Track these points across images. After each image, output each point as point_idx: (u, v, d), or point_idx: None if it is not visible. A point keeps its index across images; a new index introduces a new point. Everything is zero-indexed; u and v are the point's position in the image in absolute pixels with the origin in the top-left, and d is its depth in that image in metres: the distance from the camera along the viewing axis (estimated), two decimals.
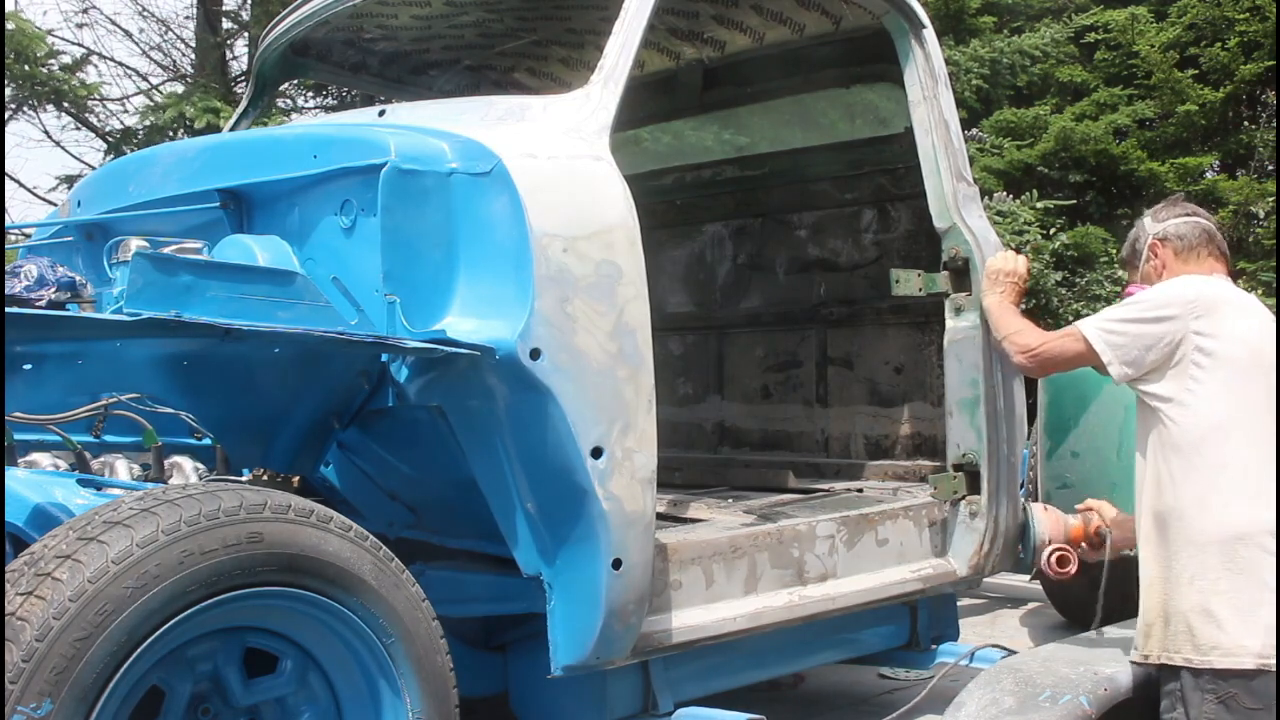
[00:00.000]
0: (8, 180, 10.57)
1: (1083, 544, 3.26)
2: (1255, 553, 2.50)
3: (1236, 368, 2.57)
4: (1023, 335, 2.96)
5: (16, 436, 2.72)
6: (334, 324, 2.40)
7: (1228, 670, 2.48)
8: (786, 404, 4.48)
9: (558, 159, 2.60)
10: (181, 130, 9.10)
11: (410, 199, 2.49)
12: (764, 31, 4.13)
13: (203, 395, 2.62)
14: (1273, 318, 2.71)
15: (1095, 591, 3.19)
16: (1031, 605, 5.40)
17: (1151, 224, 2.89)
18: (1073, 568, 3.22)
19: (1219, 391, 2.57)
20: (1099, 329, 2.69)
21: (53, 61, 9.64)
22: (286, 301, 2.38)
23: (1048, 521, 3.34)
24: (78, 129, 11.10)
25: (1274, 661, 2.45)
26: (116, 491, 2.45)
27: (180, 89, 10.03)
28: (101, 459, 2.75)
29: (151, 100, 10.33)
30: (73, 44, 11.47)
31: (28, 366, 2.31)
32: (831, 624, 3.25)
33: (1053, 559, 3.22)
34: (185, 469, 2.74)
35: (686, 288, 4.78)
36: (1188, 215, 2.84)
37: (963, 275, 3.38)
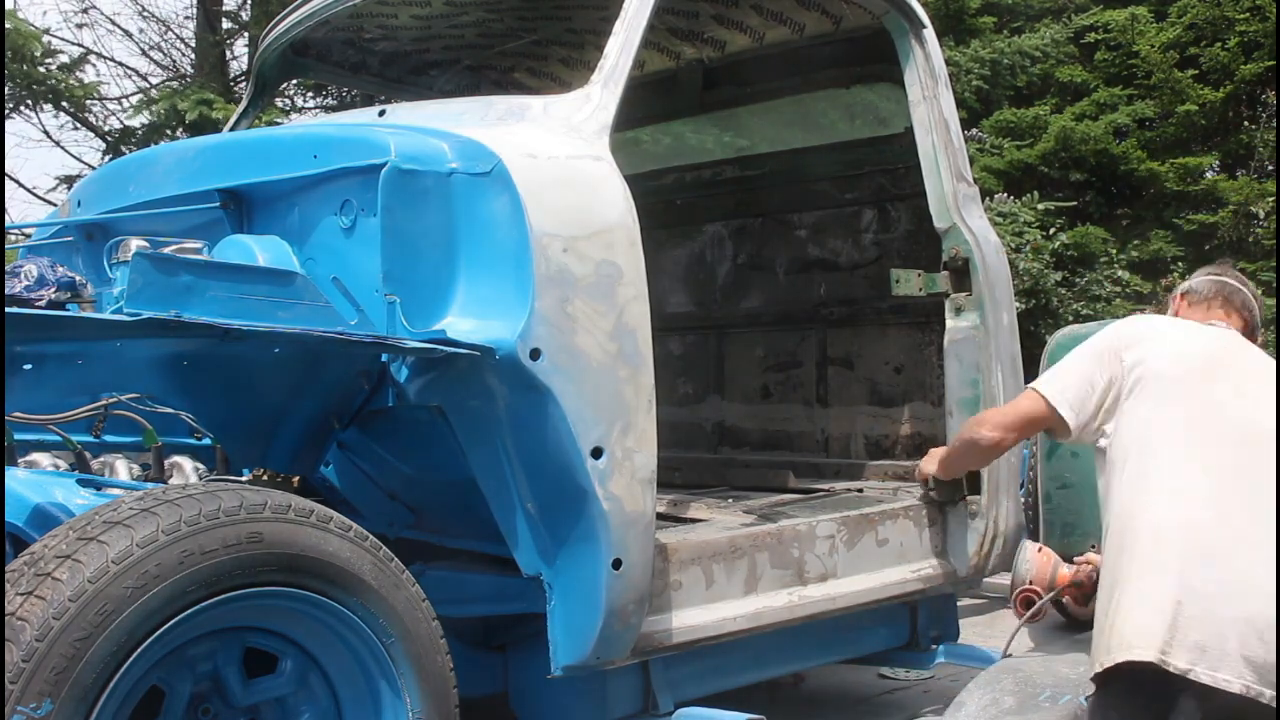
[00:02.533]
0: (8, 180, 10.57)
1: (1066, 595, 3.16)
2: (1175, 547, 2.44)
3: (1163, 383, 2.60)
4: (982, 420, 2.97)
5: (16, 436, 2.72)
6: (334, 324, 2.39)
7: (1144, 664, 2.39)
8: (786, 404, 4.48)
9: (558, 159, 2.60)
10: (179, 127, 9.10)
11: (410, 199, 2.49)
12: (764, 31, 4.13)
13: (203, 395, 2.62)
14: (1219, 337, 2.74)
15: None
16: None
17: (1185, 282, 3.05)
18: (1039, 613, 3.12)
19: (1148, 408, 2.59)
20: (1045, 379, 2.75)
21: (50, 61, 9.65)
22: (286, 301, 2.37)
23: (1036, 563, 3.20)
24: (77, 129, 11.11)
25: (1173, 659, 2.36)
26: (116, 491, 2.45)
27: (178, 88, 10.03)
28: (101, 459, 2.75)
29: (146, 96, 10.34)
30: (72, 44, 11.48)
31: (28, 366, 2.31)
32: (831, 624, 3.25)
33: (1018, 600, 3.14)
34: (185, 469, 2.74)
35: (686, 288, 4.78)
36: (1213, 274, 2.96)
37: (963, 275, 3.38)
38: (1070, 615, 3.15)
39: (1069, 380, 2.68)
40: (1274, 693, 2.36)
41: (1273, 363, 2.73)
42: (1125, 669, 2.41)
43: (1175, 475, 2.51)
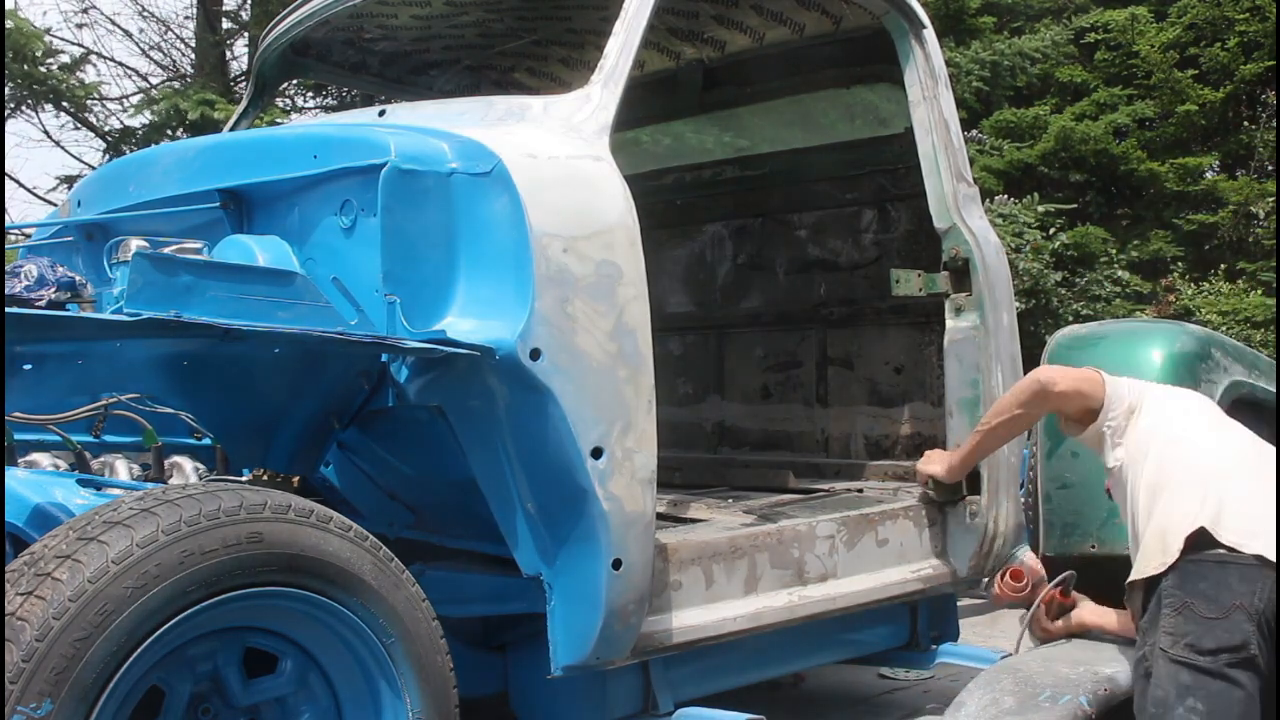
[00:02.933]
0: (8, 180, 10.57)
1: (1044, 605, 3.24)
2: (1215, 474, 2.64)
3: (1176, 403, 2.92)
4: (1032, 374, 3.11)
5: (16, 436, 2.72)
6: (334, 324, 2.39)
7: (1190, 544, 2.53)
8: (786, 404, 4.48)
9: (558, 159, 2.60)
10: (180, 127, 9.10)
11: (410, 199, 2.49)
12: (764, 31, 4.13)
13: (203, 395, 2.62)
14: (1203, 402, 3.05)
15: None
16: None
17: None
18: (1025, 585, 3.26)
19: (1165, 413, 2.86)
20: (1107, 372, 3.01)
21: (51, 61, 9.65)
22: (286, 301, 2.37)
23: (1029, 560, 3.39)
24: (77, 129, 11.11)
25: (1246, 544, 2.51)
26: (116, 491, 2.45)
27: (179, 88, 10.03)
28: (101, 459, 2.75)
29: (148, 96, 10.34)
30: (72, 44, 11.48)
31: (28, 366, 2.31)
32: (831, 624, 3.25)
33: (1008, 573, 3.29)
34: (185, 469, 2.74)
35: (686, 288, 4.78)
36: None
37: (963, 275, 3.38)
38: (1034, 623, 3.23)
39: (1120, 381, 2.95)
40: None
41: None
42: (1199, 539, 2.55)
43: (1198, 443, 2.76)
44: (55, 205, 8.19)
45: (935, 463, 3.32)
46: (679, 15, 4.07)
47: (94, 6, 12.16)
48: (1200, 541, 2.54)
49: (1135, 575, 2.70)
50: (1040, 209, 10.44)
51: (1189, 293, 11.23)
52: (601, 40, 2.91)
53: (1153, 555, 2.62)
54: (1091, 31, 12.85)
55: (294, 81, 10.37)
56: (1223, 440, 2.81)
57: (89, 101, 10.54)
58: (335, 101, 11.65)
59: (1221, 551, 2.52)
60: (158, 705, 2.07)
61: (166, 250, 2.38)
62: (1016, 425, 3.18)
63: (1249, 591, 2.47)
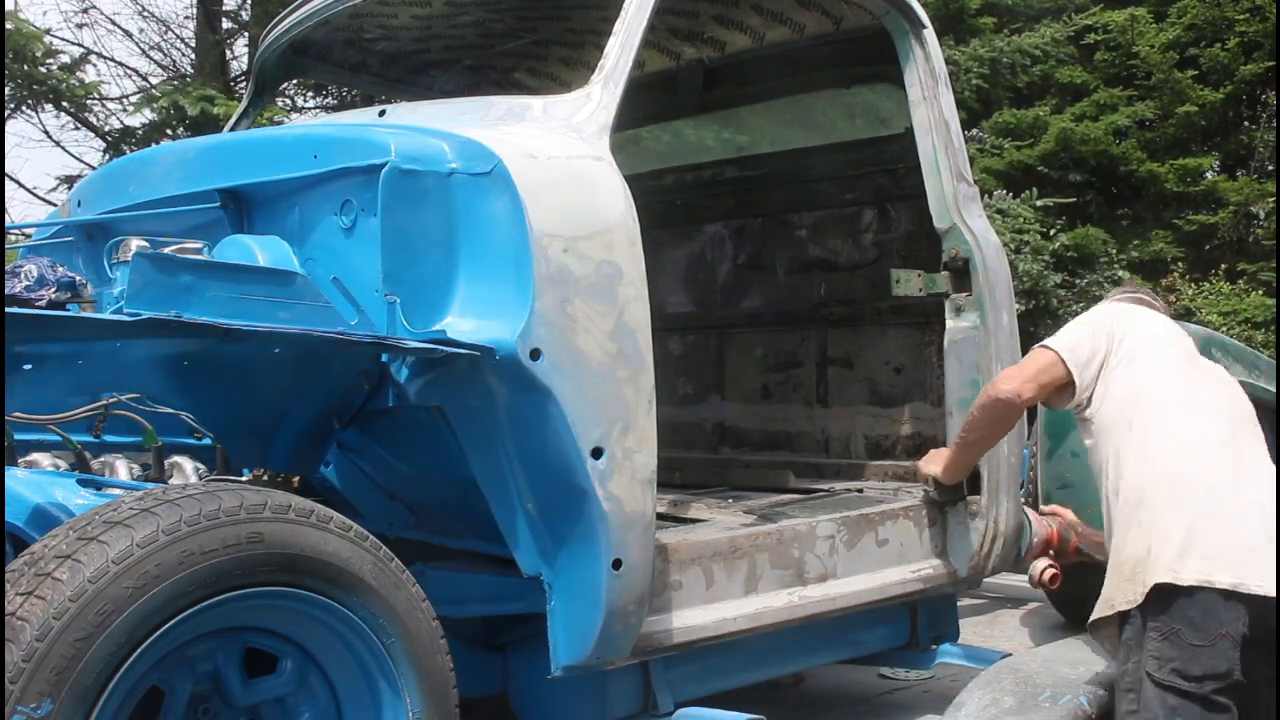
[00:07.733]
0: (8, 180, 10.57)
1: (1052, 550, 3.47)
2: (1187, 489, 2.62)
3: (1153, 358, 2.85)
4: (997, 380, 3.06)
5: (16, 436, 2.71)
6: (334, 324, 2.39)
7: (1170, 586, 2.53)
8: (786, 404, 4.48)
9: (558, 159, 2.60)
10: (180, 124, 9.10)
11: (410, 199, 2.49)
12: (764, 31, 4.13)
13: (203, 395, 2.62)
14: (1181, 336, 3.00)
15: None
16: (1031, 605, 5.40)
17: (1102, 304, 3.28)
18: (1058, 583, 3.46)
19: (1143, 379, 2.81)
20: (1053, 339, 2.96)
21: (51, 61, 9.65)
22: (286, 302, 2.37)
23: (1038, 525, 3.49)
24: (77, 129, 11.11)
25: (1216, 578, 2.51)
26: (116, 491, 2.44)
27: (179, 85, 10.03)
28: (101, 459, 2.75)
29: (148, 95, 10.33)
30: (72, 44, 11.48)
31: (28, 366, 2.31)
32: (831, 624, 3.25)
33: (1045, 577, 3.44)
34: (185, 469, 2.74)
35: (687, 288, 4.78)
36: (1129, 294, 3.22)
37: (963, 275, 3.38)
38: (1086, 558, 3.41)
39: (1075, 342, 2.89)
40: None
41: (1214, 366, 3.05)
42: (1168, 590, 2.55)
43: (1180, 434, 2.72)
44: (55, 205, 8.19)
45: (936, 462, 3.32)
46: (679, 15, 4.07)
47: (94, 6, 12.14)
48: (1178, 589, 2.56)
49: (1111, 608, 2.68)
50: (1039, 204, 10.43)
51: (1189, 293, 11.23)
52: (601, 40, 2.91)
53: (1125, 587, 2.64)
54: (1091, 32, 12.85)
55: (294, 81, 10.37)
56: (1198, 435, 2.74)
57: (89, 101, 10.54)
58: (335, 101, 11.66)
59: (1201, 585, 2.54)
60: (158, 705, 2.07)
61: (166, 250, 2.38)
62: (994, 440, 3.20)
63: (1235, 619, 2.51)
